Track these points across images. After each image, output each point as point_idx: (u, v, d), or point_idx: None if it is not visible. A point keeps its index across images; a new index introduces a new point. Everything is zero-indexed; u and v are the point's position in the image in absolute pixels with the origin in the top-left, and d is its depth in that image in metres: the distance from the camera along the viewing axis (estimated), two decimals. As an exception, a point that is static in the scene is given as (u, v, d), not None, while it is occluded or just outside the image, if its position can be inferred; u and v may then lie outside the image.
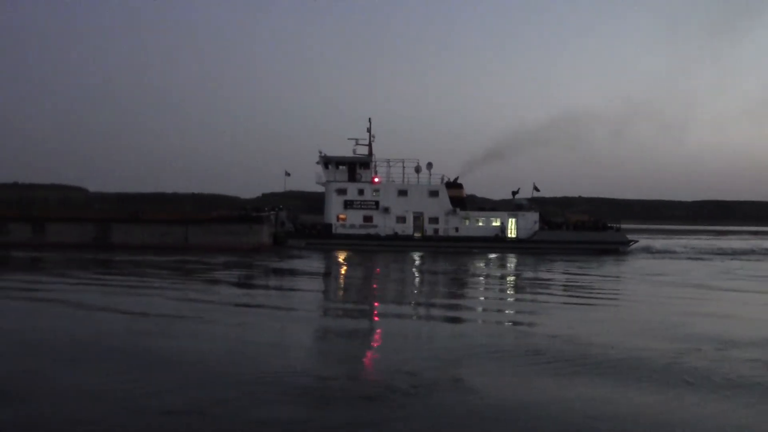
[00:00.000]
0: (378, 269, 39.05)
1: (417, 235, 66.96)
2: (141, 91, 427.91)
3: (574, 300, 28.97)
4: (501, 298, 31.16)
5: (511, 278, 40.03)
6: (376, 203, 67.24)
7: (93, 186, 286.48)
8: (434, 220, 67.30)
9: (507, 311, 26.30)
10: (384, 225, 66.84)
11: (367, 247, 63.57)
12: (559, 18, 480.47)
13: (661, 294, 31.07)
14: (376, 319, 22.81)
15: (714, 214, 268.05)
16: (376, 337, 19.32)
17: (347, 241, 64.99)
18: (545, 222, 68.53)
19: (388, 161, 69.30)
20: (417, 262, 49.86)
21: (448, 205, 67.30)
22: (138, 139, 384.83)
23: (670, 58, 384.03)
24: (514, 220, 67.58)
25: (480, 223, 67.75)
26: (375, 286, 33.84)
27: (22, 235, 58.68)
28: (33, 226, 59.40)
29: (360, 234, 66.19)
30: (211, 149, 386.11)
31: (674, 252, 67.34)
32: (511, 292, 33.51)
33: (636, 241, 68.69)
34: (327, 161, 67.99)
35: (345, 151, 69.80)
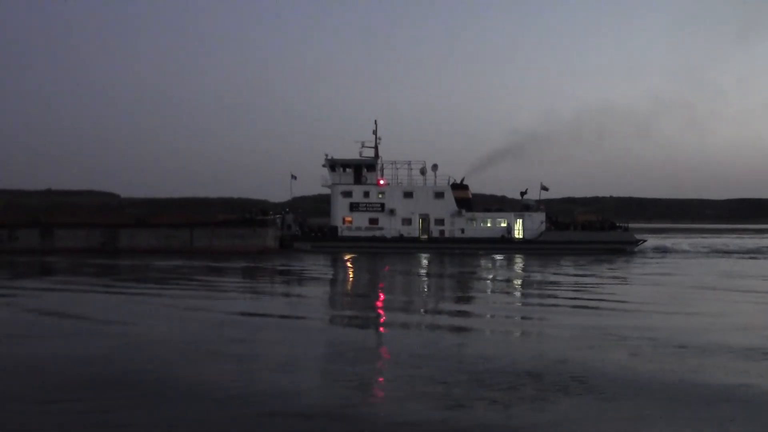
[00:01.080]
0: (382, 283, 37.38)
1: (423, 237, 66.88)
2: (170, 98, 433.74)
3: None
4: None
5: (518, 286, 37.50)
6: (382, 205, 67.29)
7: (125, 192, 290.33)
8: (440, 221, 67.15)
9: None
10: (390, 227, 66.86)
11: (373, 249, 63.62)
12: (574, 14, 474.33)
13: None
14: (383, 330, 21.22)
15: (746, 213, 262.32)
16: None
17: (353, 244, 65.14)
18: (552, 222, 67.92)
19: (394, 163, 69.38)
20: (421, 270, 46.18)
21: (454, 207, 67.08)
22: (168, 145, 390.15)
23: (696, 53, 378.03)
24: (520, 220, 67.13)
25: (486, 225, 67.39)
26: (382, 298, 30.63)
27: (32, 241, 59.98)
28: (41, 232, 60.63)
29: (366, 236, 66.30)
30: (240, 153, 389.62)
31: (683, 251, 66.35)
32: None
33: (644, 241, 67.70)
34: (333, 164, 68.26)
35: (353, 154, 70.01)
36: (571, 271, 43.83)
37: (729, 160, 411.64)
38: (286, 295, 32.19)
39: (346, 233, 66.81)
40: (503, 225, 67.07)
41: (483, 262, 51.98)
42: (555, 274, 41.42)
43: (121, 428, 10.89)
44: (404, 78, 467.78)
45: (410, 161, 69.02)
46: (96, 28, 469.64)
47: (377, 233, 66.68)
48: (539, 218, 66.89)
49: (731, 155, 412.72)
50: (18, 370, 14.92)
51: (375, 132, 70.17)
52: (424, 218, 67.22)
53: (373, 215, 67.31)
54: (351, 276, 41.57)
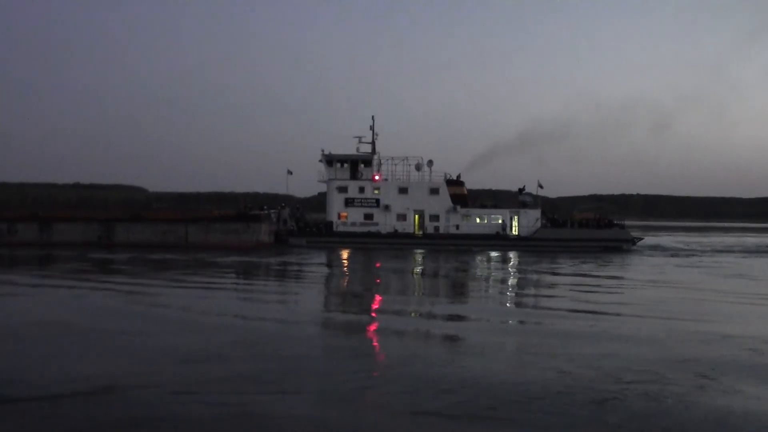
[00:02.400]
0: (378, 278, 37.22)
1: (419, 233, 66.96)
2: (195, 94, 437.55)
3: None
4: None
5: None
6: (377, 201, 67.49)
7: (152, 186, 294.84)
8: (435, 217, 67.13)
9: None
10: (385, 223, 67.03)
11: (368, 244, 63.85)
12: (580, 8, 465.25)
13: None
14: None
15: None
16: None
17: (348, 239, 65.43)
18: (549, 219, 67.51)
19: (391, 159, 69.52)
20: (412, 267, 45.55)
21: (449, 203, 66.99)
22: (196, 140, 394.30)
23: (718, 46, 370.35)
24: (515, 217, 66.83)
25: (481, 221, 67.19)
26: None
27: (30, 235, 61.31)
28: (40, 226, 61.91)
29: (361, 232, 66.54)
30: (266, 148, 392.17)
31: (679, 249, 65.72)
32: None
33: (641, 239, 67.04)
34: (329, 159, 68.58)
35: (353, 149, 70.14)
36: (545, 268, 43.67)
37: (753, 156, 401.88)
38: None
39: (341, 228, 67.14)
40: (498, 222, 66.83)
41: (471, 260, 51.55)
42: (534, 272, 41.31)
43: None
44: (404, 73, 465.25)
45: (407, 157, 69.22)
46: (123, 27, 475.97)
47: (372, 229, 66.90)
48: (535, 215, 66.53)
49: (756, 151, 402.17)
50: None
51: (372, 128, 70.46)
52: (420, 214, 67.28)
53: (368, 211, 67.54)
54: (318, 276, 41.74)
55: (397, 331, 20.05)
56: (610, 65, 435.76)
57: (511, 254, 57.12)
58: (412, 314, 24.16)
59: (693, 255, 59.69)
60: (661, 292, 31.38)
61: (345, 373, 14.24)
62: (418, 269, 42.94)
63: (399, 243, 64.84)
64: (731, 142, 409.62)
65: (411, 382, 13.54)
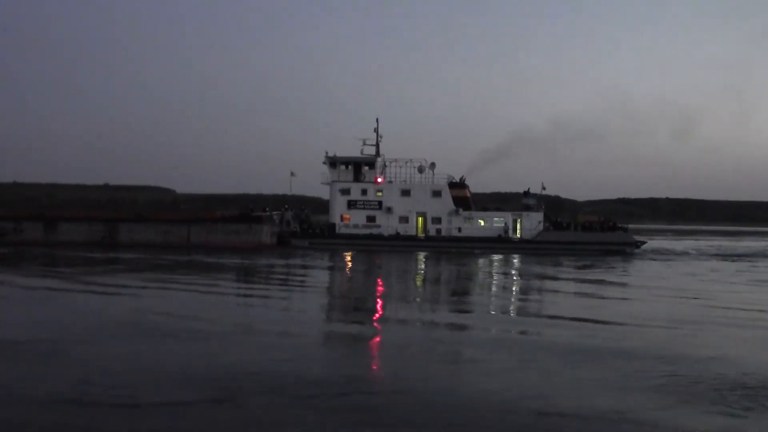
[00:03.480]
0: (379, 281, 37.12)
1: (422, 235, 66.87)
2: (224, 96, 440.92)
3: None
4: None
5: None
6: (379, 203, 67.50)
7: (180, 188, 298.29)
8: (437, 220, 66.97)
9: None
10: (387, 225, 67.03)
11: (370, 247, 63.88)
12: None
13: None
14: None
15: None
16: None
17: (350, 241, 65.53)
18: (551, 222, 66.97)
19: (395, 161, 69.54)
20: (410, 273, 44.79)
21: (451, 205, 66.78)
22: (225, 141, 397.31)
23: (740, 45, 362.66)
24: (517, 220, 66.41)
25: (483, 224, 66.87)
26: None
27: (36, 234, 62.47)
28: (45, 226, 63.04)
29: (363, 234, 66.60)
30: (296, 150, 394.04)
31: (683, 254, 64.77)
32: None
33: (644, 242, 66.13)
34: (333, 161, 68.79)
35: (358, 152, 70.24)
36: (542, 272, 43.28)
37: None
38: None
39: (343, 231, 67.26)
40: (500, 224, 66.46)
41: (469, 265, 50.15)
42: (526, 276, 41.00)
43: None
44: (409, 76, 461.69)
45: (411, 159, 69.17)
46: (147, 29, 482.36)
47: (374, 231, 66.93)
48: (537, 218, 66.01)
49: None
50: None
51: (376, 130, 70.57)
52: (423, 217, 67.17)
53: (371, 213, 67.59)
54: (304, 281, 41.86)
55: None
56: (632, 64, 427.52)
57: (510, 257, 56.66)
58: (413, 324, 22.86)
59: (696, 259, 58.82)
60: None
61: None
62: (419, 277, 41.99)
63: (401, 245, 64.78)
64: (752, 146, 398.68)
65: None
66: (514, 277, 40.70)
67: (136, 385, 13.53)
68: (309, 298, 30.25)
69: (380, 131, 70.14)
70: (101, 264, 44.05)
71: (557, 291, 33.69)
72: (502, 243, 64.92)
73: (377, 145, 70.02)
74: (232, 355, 16.56)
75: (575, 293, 32.88)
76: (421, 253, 60.51)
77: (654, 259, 57.04)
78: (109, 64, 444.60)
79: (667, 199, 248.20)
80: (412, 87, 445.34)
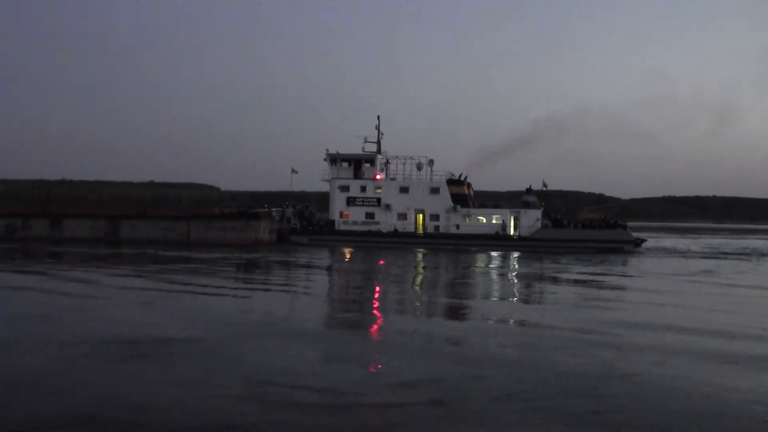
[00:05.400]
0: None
1: (421, 232, 66.86)
2: (271, 94, 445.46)
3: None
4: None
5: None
6: (378, 200, 67.71)
7: (224, 185, 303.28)
8: (435, 217, 66.83)
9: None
10: (386, 222, 67.19)
11: (368, 243, 64.14)
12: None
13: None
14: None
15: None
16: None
17: (349, 238, 65.90)
18: (551, 220, 66.15)
19: (397, 158, 69.78)
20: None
21: (449, 202, 66.53)
22: (267, 139, 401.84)
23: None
24: (515, 217, 65.82)
25: (481, 221, 66.45)
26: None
27: (42, 231, 64.60)
28: (51, 222, 65.14)
29: (362, 231, 66.90)
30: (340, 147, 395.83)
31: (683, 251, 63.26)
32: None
33: (644, 240, 64.78)
34: (333, 158, 69.27)
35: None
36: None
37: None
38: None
39: (342, 227, 67.69)
40: (498, 222, 65.96)
41: (464, 263, 49.78)
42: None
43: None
44: (414, 73, 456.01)
45: (412, 156, 69.23)
46: (190, 29, 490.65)
47: (373, 228, 67.16)
48: (535, 215, 65.27)
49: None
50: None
51: (378, 127, 70.91)
52: (422, 214, 67.13)
53: (370, 210, 67.84)
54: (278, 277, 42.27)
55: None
56: (671, 57, 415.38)
57: (505, 255, 56.06)
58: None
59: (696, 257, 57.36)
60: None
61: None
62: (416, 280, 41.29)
63: (399, 242, 64.87)
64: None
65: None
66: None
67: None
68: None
69: (385, 128, 70.53)
70: (178, 262, 44.12)
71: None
72: (499, 240, 64.42)
73: (378, 143, 70.31)
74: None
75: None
76: (418, 250, 60.27)
77: (655, 257, 55.94)
78: (153, 63, 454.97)
79: (714, 197, 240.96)
80: (417, 82, 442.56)
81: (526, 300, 29.28)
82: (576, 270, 42.55)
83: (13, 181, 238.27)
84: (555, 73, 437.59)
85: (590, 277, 38.71)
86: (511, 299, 29.10)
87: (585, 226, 64.90)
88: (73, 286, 30.17)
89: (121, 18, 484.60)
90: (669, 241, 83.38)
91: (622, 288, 34.28)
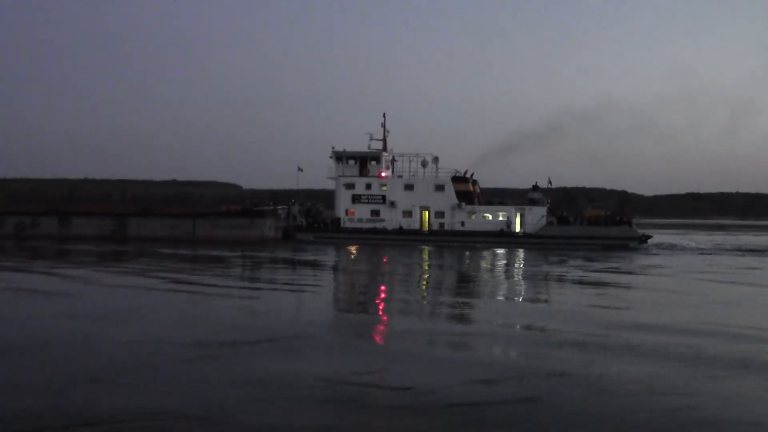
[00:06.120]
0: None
1: (425, 229, 66.84)
2: (292, 91, 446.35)
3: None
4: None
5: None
6: (383, 197, 67.73)
7: (246, 183, 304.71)
8: (440, 214, 66.72)
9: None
10: (391, 219, 67.20)
11: (373, 241, 64.22)
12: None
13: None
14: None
15: None
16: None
17: (354, 235, 66.02)
18: (556, 217, 65.79)
19: (402, 155, 69.82)
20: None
21: (454, 199, 66.37)
22: (290, 138, 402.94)
23: None
24: (520, 214, 65.52)
25: (486, 218, 66.24)
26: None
27: (51, 228, 65.49)
28: (59, 220, 66.02)
29: (367, 228, 66.98)
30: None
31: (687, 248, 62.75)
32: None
33: (650, 237, 64.07)
34: (339, 156, 69.41)
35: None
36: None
37: None
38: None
39: (348, 225, 67.84)
40: (503, 219, 65.69)
41: (467, 260, 49.57)
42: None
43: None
44: (420, 69, 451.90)
45: (418, 153, 69.19)
46: (217, 27, 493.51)
47: (378, 225, 67.21)
48: (540, 212, 64.91)
49: None
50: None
51: (383, 124, 70.99)
52: (427, 211, 67.07)
53: (375, 207, 67.90)
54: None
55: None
56: (691, 52, 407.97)
57: (509, 252, 55.89)
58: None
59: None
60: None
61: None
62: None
63: (404, 239, 64.87)
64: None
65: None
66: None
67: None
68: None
69: (394, 126, 70.72)
70: (202, 262, 44.46)
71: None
72: (504, 237, 64.17)
73: (384, 140, 70.38)
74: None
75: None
76: (424, 246, 60.38)
77: (657, 254, 55.47)
78: (173, 59, 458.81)
79: (738, 194, 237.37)
80: (425, 77, 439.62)
81: (539, 300, 29.16)
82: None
83: (37, 180, 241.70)
84: (571, 69, 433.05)
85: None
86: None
87: (591, 223, 64.53)
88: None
89: (140, 19, 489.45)
90: (679, 239, 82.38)
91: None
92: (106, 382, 13.30)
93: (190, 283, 31.88)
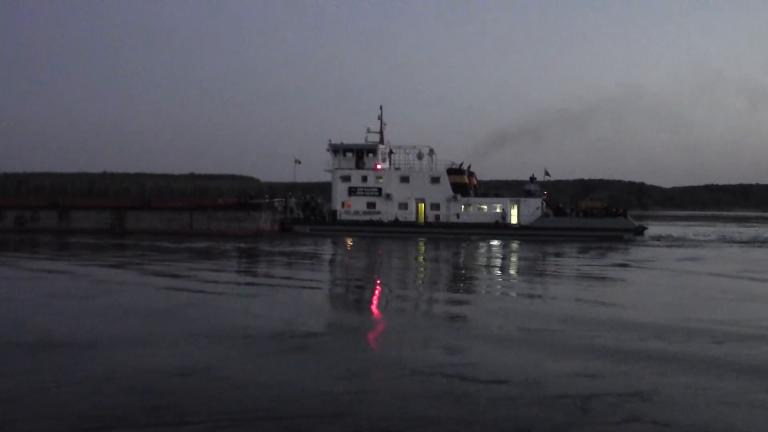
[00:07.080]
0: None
1: (421, 221, 66.85)
2: (304, 85, 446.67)
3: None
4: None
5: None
6: (379, 190, 67.79)
7: (264, 176, 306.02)
8: (436, 206, 66.65)
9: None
10: (387, 211, 67.27)
11: (370, 233, 64.35)
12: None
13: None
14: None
15: None
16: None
17: (350, 228, 66.19)
18: (552, 208, 65.45)
19: (399, 148, 69.81)
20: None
21: (450, 192, 66.25)
22: (307, 131, 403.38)
23: None
24: (516, 206, 65.26)
25: (482, 209, 66.05)
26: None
27: (50, 222, 66.48)
28: (59, 214, 66.93)
29: (363, 220, 67.12)
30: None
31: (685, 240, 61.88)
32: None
33: (645, 228, 63.54)
34: (335, 149, 69.55)
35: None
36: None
37: None
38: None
39: (344, 217, 68.01)
40: (498, 210, 65.47)
41: (460, 252, 48.80)
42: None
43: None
44: (417, 62, 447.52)
45: (415, 146, 69.12)
46: (238, 20, 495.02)
47: (374, 217, 67.31)
48: (535, 204, 64.58)
49: None
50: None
51: (380, 117, 71.14)
52: (423, 203, 67.03)
53: (371, 199, 67.99)
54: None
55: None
56: (707, 42, 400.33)
57: (502, 243, 55.71)
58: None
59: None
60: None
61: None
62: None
63: (400, 231, 64.94)
64: None
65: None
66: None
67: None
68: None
69: (391, 119, 70.58)
70: (229, 256, 44.20)
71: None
72: (499, 229, 63.97)
73: (381, 133, 70.41)
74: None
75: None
76: (419, 238, 60.42)
77: (652, 245, 54.90)
78: (190, 55, 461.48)
79: (758, 185, 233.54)
80: (422, 68, 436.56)
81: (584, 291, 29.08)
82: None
83: (58, 174, 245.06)
84: (583, 60, 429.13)
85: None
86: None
87: (587, 215, 64.10)
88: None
89: (159, 12, 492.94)
90: (685, 230, 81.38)
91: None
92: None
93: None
